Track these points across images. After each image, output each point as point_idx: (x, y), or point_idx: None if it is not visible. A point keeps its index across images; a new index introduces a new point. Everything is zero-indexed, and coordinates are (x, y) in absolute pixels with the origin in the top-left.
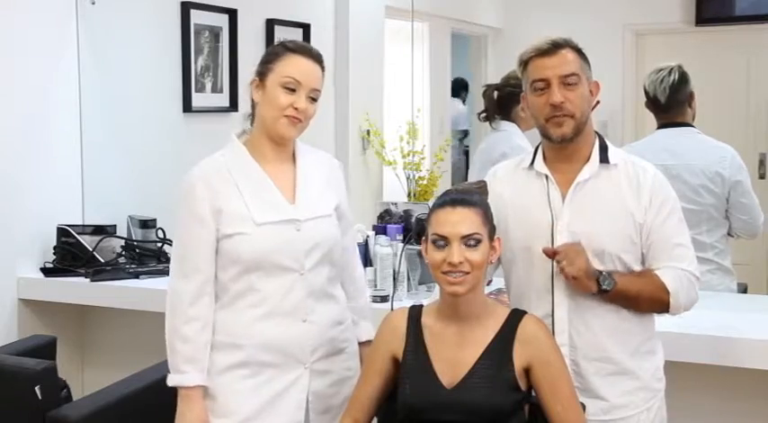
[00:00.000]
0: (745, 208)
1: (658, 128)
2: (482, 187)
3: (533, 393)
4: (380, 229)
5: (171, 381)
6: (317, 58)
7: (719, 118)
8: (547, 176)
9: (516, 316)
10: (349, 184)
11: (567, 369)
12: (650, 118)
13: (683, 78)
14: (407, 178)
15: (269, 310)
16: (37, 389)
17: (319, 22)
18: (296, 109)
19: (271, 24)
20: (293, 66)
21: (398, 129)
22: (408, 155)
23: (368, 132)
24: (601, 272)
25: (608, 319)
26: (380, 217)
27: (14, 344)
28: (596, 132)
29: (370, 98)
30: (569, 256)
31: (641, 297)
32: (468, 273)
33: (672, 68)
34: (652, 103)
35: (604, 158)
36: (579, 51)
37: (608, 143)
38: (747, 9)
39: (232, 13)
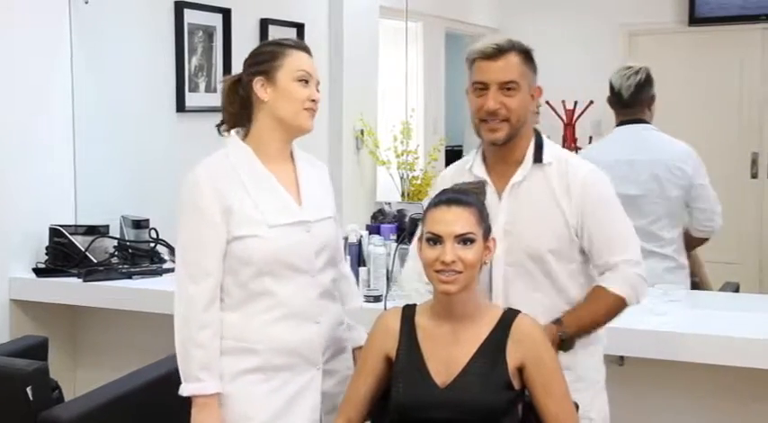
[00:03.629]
0: (704, 198)
1: (618, 125)
2: (479, 187)
3: (526, 393)
4: (374, 229)
5: (187, 390)
6: (311, 52)
7: (712, 117)
8: (485, 181)
9: (510, 315)
10: (342, 184)
11: (560, 368)
12: None
13: (649, 80)
14: (401, 178)
15: (285, 313)
16: (28, 390)
17: (313, 22)
18: (313, 101)
19: (265, 24)
20: (301, 60)
21: (392, 128)
22: (402, 155)
23: (362, 132)
24: (561, 337)
25: (541, 318)
26: (374, 217)
27: (6, 345)
28: (536, 131)
29: (364, 98)
30: None
31: (599, 321)
32: (460, 272)
33: (640, 68)
34: (615, 97)
35: (538, 158)
36: (526, 55)
37: (545, 141)
38: (740, 9)
39: (226, 13)
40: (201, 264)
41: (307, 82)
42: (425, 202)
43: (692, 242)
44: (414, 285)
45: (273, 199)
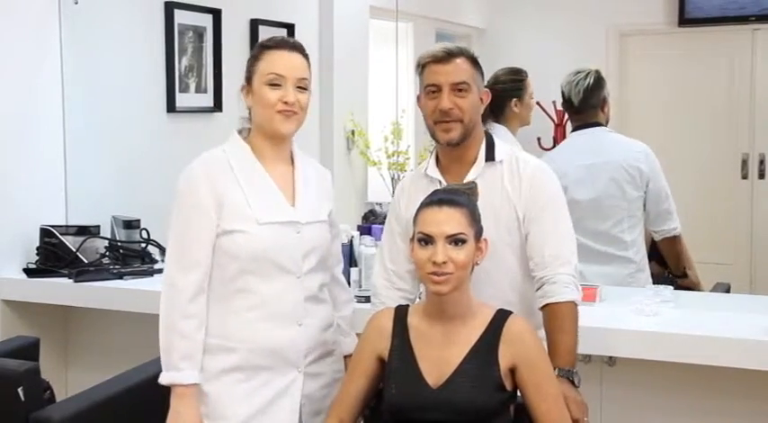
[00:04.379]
0: (661, 198)
1: (572, 130)
2: (471, 188)
3: (518, 394)
4: (365, 230)
5: (165, 378)
6: (295, 47)
7: (702, 118)
8: (440, 182)
9: (502, 316)
10: (334, 185)
11: (551, 369)
12: (631, 117)
13: (598, 83)
14: (392, 178)
15: (266, 313)
16: (20, 390)
17: (304, 23)
18: (285, 103)
19: (255, 24)
20: (273, 61)
21: (383, 129)
22: (393, 155)
23: (352, 132)
24: (572, 381)
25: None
26: (365, 217)
27: None
28: (486, 132)
29: (354, 98)
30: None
31: (576, 333)
32: (452, 273)
33: (588, 72)
34: (567, 103)
35: (490, 156)
36: (473, 60)
37: (496, 141)
38: (730, 10)
39: (216, 13)
40: (191, 253)
41: (279, 85)
42: (392, 211)
43: (662, 248)
44: (386, 293)
45: (266, 197)
